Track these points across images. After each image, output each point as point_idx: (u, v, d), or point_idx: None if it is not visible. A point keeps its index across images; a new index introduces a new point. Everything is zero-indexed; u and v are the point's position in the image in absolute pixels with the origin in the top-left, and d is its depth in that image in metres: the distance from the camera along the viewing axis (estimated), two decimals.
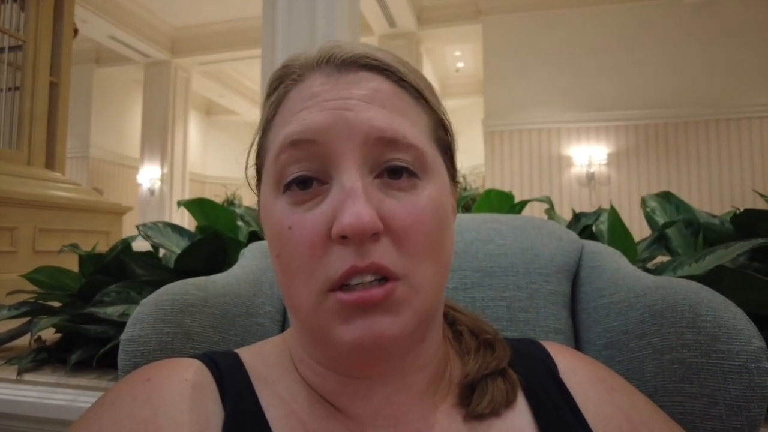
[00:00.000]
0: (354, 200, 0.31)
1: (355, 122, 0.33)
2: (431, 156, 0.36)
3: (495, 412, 0.36)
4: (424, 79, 0.39)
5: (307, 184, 0.33)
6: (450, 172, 0.39)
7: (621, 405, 0.39)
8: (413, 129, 0.35)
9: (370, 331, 0.31)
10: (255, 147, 0.40)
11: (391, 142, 0.33)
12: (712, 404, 0.44)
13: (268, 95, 0.39)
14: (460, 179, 0.44)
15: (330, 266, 0.31)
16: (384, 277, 0.31)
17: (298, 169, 0.33)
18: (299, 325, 0.36)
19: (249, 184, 0.42)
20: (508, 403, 0.37)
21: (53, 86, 2.61)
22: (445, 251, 0.35)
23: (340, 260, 0.31)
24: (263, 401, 0.36)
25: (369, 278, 0.31)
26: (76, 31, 2.84)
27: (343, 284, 0.31)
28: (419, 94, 0.37)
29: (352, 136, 0.33)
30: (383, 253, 0.31)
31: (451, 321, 0.45)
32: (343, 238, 0.31)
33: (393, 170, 0.33)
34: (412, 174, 0.34)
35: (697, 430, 0.44)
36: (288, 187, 0.34)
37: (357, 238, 0.30)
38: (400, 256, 0.32)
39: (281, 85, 0.38)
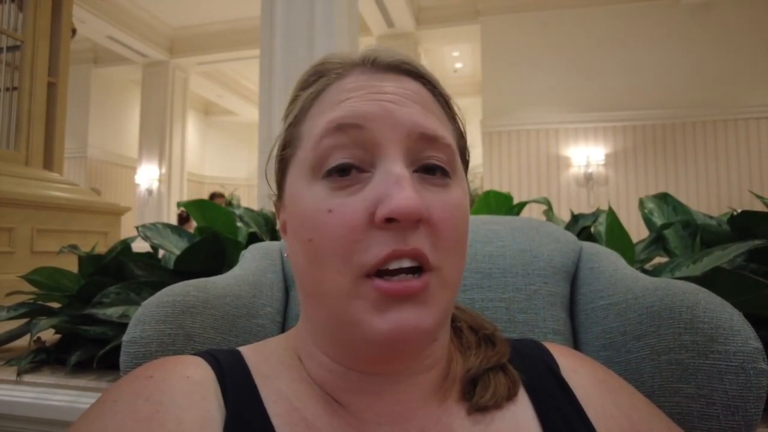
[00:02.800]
0: (403, 186, 0.32)
1: (400, 115, 0.34)
2: (458, 160, 0.38)
3: (497, 405, 0.37)
4: (448, 93, 0.41)
5: (346, 172, 0.34)
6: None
7: (621, 404, 0.39)
8: (446, 131, 0.37)
9: (404, 322, 0.31)
10: (281, 138, 0.41)
11: (431, 140, 0.35)
12: (709, 405, 0.44)
13: (304, 87, 0.40)
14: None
15: (368, 251, 0.32)
16: (420, 266, 0.32)
17: (342, 156, 0.34)
18: (322, 315, 0.35)
19: (266, 177, 0.43)
20: (510, 397, 0.38)
21: (51, 86, 2.61)
22: (465, 252, 0.37)
23: (379, 246, 0.32)
24: (265, 398, 0.36)
25: (407, 263, 0.32)
26: (74, 31, 2.84)
27: (380, 269, 0.32)
28: (447, 104, 0.40)
29: (396, 127, 0.34)
30: (423, 242, 0.32)
31: (450, 318, 0.45)
32: (388, 223, 0.31)
33: (429, 167, 0.35)
34: (445, 173, 0.35)
35: (694, 431, 0.45)
36: (328, 174, 0.34)
37: (405, 221, 0.31)
38: (434, 248, 0.33)
39: (322, 78, 0.39)
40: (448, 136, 0.36)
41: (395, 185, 0.32)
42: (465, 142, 0.42)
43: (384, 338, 0.32)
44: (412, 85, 0.37)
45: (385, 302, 0.32)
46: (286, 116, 0.41)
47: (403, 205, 0.31)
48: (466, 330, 0.44)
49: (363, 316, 0.32)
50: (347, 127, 0.34)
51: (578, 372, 0.42)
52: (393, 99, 0.35)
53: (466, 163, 0.42)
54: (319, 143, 0.35)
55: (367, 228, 0.32)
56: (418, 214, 0.31)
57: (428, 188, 0.34)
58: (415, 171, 0.35)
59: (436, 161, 0.35)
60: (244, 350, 0.41)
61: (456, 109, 0.41)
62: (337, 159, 0.34)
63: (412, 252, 0.31)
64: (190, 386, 0.34)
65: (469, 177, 0.44)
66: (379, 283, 0.31)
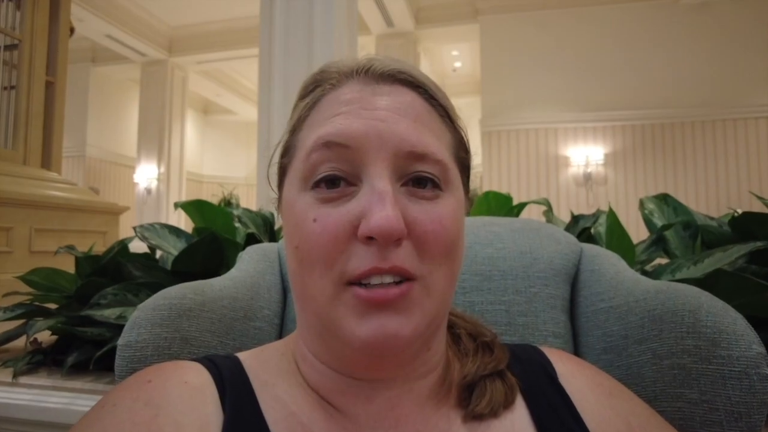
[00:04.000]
0: (384, 203, 0.32)
1: (388, 134, 0.34)
2: (453, 172, 0.37)
3: (494, 412, 0.37)
4: (449, 100, 0.41)
5: (335, 184, 0.34)
6: (465, 189, 0.41)
7: (619, 410, 0.39)
8: (440, 145, 0.36)
9: (383, 329, 0.31)
10: (281, 145, 0.41)
11: (420, 157, 0.35)
12: (712, 410, 0.44)
13: (302, 97, 0.40)
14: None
15: (350, 263, 0.32)
16: (402, 278, 0.32)
17: (329, 168, 0.34)
18: (310, 318, 0.36)
19: (269, 182, 0.43)
20: (507, 404, 0.38)
21: (49, 85, 2.60)
22: (457, 260, 0.36)
23: (361, 260, 0.32)
24: (263, 403, 0.36)
25: (388, 279, 0.32)
26: (72, 30, 2.82)
27: (361, 281, 0.32)
28: (446, 113, 0.39)
29: (383, 147, 0.34)
30: (404, 257, 0.32)
31: (450, 325, 0.45)
32: (369, 239, 0.32)
33: (418, 180, 0.35)
34: (435, 185, 0.35)
35: None
36: (316, 184, 0.35)
37: (383, 241, 0.31)
38: (418, 260, 0.33)
39: (318, 88, 0.39)
40: (440, 150, 0.36)
41: (378, 202, 0.32)
42: (466, 152, 0.41)
43: (363, 344, 0.32)
44: (406, 97, 0.37)
45: (365, 309, 0.32)
46: (288, 123, 0.41)
47: (382, 225, 0.31)
48: (465, 337, 0.44)
49: (344, 321, 0.32)
50: (334, 145, 0.34)
51: (576, 377, 0.42)
52: (383, 116, 0.35)
53: (467, 172, 0.41)
54: (309, 156, 0.35)
55: (349, 240, 0.33)
56: (397, 234, 0.31)
57: (417, 201, 0.34)
58: (404, 184, 0.35)
59: (426, 174, 0.35)
60: (242, 356, 0.41)
61: (456, 118, 0.40)
62: (325, 170, 0.34)
63: (391, 270, 0.32)
64: (189, 391, 0.35)
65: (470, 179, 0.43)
66: (359, 290, 0.32)
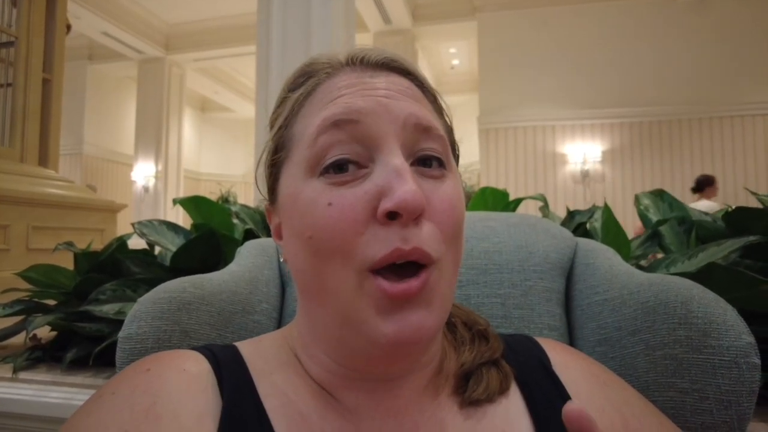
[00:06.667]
0: (404, 179, 0.31)
1: (395, 108, 0.35)
2: (450, 153, 0.38)
3: (490, 398, 0.37)
4: (435, 90, 0.42)
5: (343, 168, 0.33)
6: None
7: (613, 399, 0.40)
8: (438, 124, 0.37)
9: (409, 324, 0.31)
10: (271, 142, 0.40)
11: (426, 130, 0.35)
12: (702, 399, 0.44)
13: (293, 89, 0.39)
14: None
15: (371, 247, 0.31)
16: (419, 264, 0.32)
17: (339, 152, 0.34)
18: (328, 316, 0.34)
19: (257, 185, 0.42)
20: (502, 391, 0.38)
21: (46, 83, 2.59)
22: (462, 243, 0.37)
23: (382, 242, 0.31)
24: (261, 392, 0.36)
25: (412, 259, 0.31)
26: (68, 27, 2.81)
27: (384, 266, 0.31)
28: (435, 100, 0.41)
29: (392, 120, 0.34)
30: (425, 237, 0.32)
31: None
32: (390, 219, 0.31)
33: (425, 159, 0.35)
34: (441, 164, 0.36)
35: (687, 425, 0.45)
36: (326, 170, 0.34)
37: (408, 216, 0.31)
38: (435, 241, 0.33)
39: (311, 78, 0.39)
40: (440, 127, 0.37)
41: (397, 178, 0.31)
42: (454, 137, 0.42)
43: (388, 341, 0.31)
44: (402, 81, 0.38)
45: (389, 304, 0.31)
46: (275, 119, 0.40)
47: (407, 199, 0.30)
48: (460, 326, 0.44)
49: (367, 317, 0.32)
50: (343, 123, 0.34)
51: (570, 367, 0.42)
52: (386, 94, 0.35)
53: (456, 157, 0.42)
54: (316, 141, 0.34)
55: (369, 221, 0.32)
56: (420, 208, 0.31)
57: (426, 180, 0.34)
58: (412, 164, 0.35)
59: (432, 152, 0.35)
60: (240, 345, 0.41)
61: (443, 104, 0.42)
62: (335, 155, 0.33)
63: (412, 251, 0.31)
64: (187, 379, 0.35)
65: (466, 174, 0.44)
66: (383, 283, 0.31)
